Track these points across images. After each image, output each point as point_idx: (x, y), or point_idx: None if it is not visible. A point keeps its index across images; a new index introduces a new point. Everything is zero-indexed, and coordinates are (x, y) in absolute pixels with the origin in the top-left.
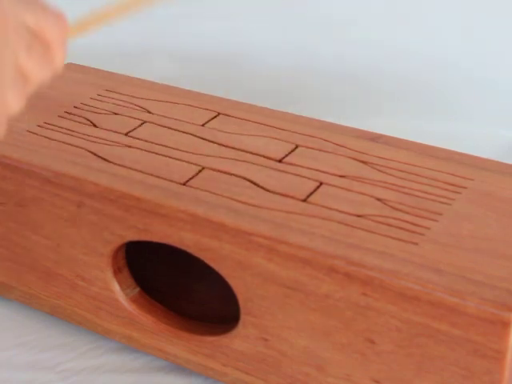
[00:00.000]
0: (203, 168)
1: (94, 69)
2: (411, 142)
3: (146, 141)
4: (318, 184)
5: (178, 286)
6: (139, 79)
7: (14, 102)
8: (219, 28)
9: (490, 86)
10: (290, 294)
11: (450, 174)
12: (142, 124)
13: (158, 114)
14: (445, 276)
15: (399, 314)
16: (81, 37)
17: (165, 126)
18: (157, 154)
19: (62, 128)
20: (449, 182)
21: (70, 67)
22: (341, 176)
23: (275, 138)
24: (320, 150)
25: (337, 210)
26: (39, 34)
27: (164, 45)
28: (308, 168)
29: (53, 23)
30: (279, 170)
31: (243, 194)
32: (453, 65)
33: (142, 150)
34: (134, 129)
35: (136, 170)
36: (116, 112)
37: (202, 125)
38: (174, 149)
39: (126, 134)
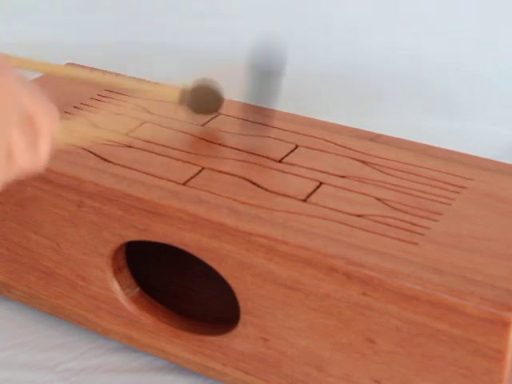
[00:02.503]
0: (203, 168)
1: (94, 69)
2: (411, 141)
3: (146, 141)
4: (317, 184)
5: (177, 286)
6: (139, 79)
7: None
8: (219, 28)
9: (489, 85)
10: (290, 293)
11: (450, 173)
12: (142, 124)
13: (158, 114)
14: (445, 276)
15: (399, 313)
16: (65, 144)
17: (165, 126)
18: (157, 154)
19: None
20: (449, 181)
21: (71, 67)
22: (341, 176)
23: (275, 138)
24: (320, 150)
25: (337, 210)
26: (32, 122)
27: (164, 44)
28: (308, 168)
29: (46, 118)
30: (279, 170)
31: (243, 194)
32: (453, 64)
33: (142, 150)
34: (134, 129)
35: (136, 169)
36: (116, 112)
37: (202, 125)
38: (173, 149)
39: (126, 134)
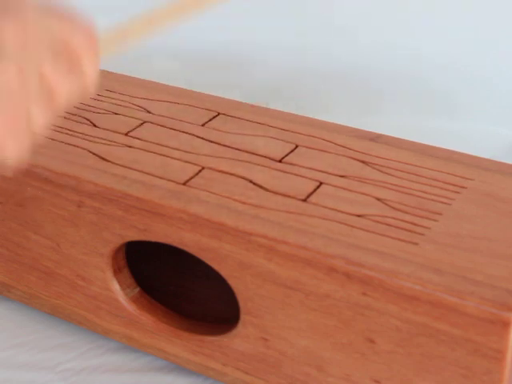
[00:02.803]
0: (203, 168)
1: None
2: (411, 141)
3: (146, 141)
4: (317, 184)
5: (177, 286)
6: (139, 79)
7: (39, 117)
8: (219, 28)
9: (489, 85)
10: (290, 293)
11: (450, 173)
12: (141, 124)
13: (158, 114)
14: (445, 276)
15: (399, 313)
16: (116, 51)
17: (165, 126)
18: (157, 153)
19: (61, 128)
20: (449, 181)
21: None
22: (341, 176)
23: (275, 138)
24: (320, 150)
25: (337, 210)
26: (66, 46)
27: (164, 45)
28: (308, 168)
29: (81, 35)
30: (279, 170)
31: (243, 194)
32: (453, 64)
33: (142, 150)
34: (134, 129)
35: (136, 169)
36: (116, 112)
37: (202, 125)
38: (173, 149)
39: (126, 134)
